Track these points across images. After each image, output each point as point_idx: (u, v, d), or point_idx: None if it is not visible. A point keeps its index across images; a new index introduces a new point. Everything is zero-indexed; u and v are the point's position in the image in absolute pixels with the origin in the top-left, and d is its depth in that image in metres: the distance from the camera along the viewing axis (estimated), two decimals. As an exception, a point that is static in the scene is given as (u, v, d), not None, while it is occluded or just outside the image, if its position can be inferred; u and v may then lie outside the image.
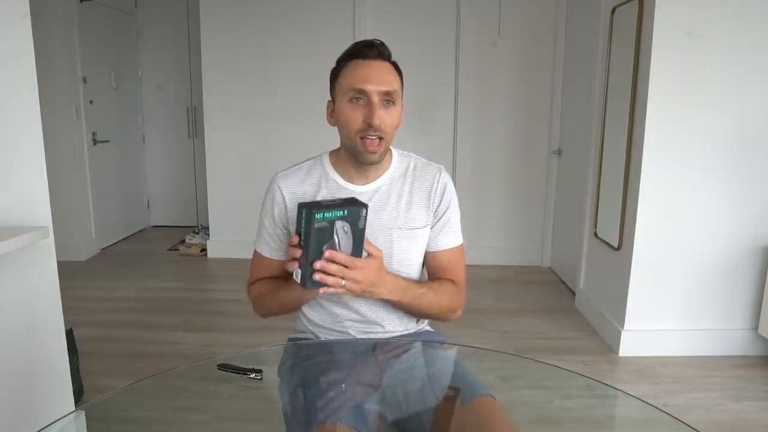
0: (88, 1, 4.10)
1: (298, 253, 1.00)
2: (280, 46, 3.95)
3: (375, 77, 1.10)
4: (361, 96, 1.10)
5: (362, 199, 1.20)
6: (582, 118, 3.34)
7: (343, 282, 1.02)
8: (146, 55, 5.04)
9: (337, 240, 1.00)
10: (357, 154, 1.14)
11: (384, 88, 1.10)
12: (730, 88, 2.43)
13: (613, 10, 2.76)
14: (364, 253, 1.05)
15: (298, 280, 1.02)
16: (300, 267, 1.01)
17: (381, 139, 1.11)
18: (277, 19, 3.93)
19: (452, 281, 1.24)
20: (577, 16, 3.58)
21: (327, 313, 1.23)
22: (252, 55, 3.99)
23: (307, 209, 0.98)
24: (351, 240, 1.02)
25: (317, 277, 1.00)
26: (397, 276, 1.15)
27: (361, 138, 1.11)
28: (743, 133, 2.47)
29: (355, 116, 1.11)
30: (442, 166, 1.27)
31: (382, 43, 1.14)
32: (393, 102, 1.12)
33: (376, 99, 1.10)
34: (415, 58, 3.81)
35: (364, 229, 1.02)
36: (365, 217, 1.02)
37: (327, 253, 0.99)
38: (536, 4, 3.82)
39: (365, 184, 1.21)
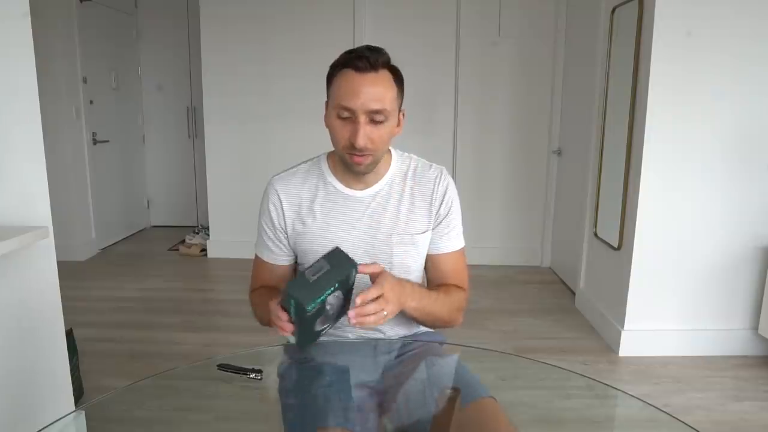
0: (88, 1, 4.10)
1: (289, 327, 0.96)
2: (281, 46, 3.95)
3: (363, 94, 1.04)
4: (347, 112, 1.06)
5: (362, 204, 1.18)
6: (582, 118, 3.34)
7: (385, 312, 0.99)
8: (146, 55, 5.04)
9: (329, 309, 0.98)
10: (346, 165, 1.13)
11: (371, 107, 1.05)
12: (730, 87, 2.43)
13: (613, 10, 2.75)
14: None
15: (294, 343, 0.99)
16: (293, 334, 0.98)
17: (368, 155, 1.09)
18: (277, 19, 3.93)
19: (457, 286, 1.23)
20: (577, 16, 3.58)
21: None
22: (252, 55, 3.99)
23: (297, 302, 0.91)
24: (342, 299, 1.00)
25: (354, 321, 0.96)
26: (409, 281, 1.12)
27: (348, 153, 1.09)
28: (743, 133, 2.47)
29: (341, 132, 1.08)
30: (444, 168, 1.25)
31: (377, 51, 1.08)
32: (384, 119, 1.07)
33: (362, 118, 1.05)
34: (415, 57, 3.81)
35: (353, 284, 1.00)
36: (354, 275, 0.99)
37: (358, 300, 0.96)
38: (536, 4, 3.82)
39: (364, 189, 1.19)
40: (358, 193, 1.18)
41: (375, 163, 1.13)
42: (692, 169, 2.50)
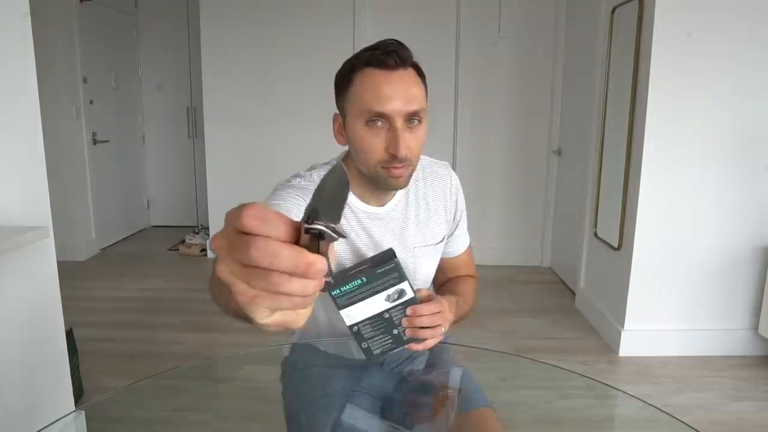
0: (88, 1, 4.10)
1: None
2: (280, 47, 3.95)
3: (398, 95, 0.90)
4: (380, 119, 0.92)
5: (384, 221, 1.08)
6: (582, 118, 3.34)
7: (443, 329, 0.92)
8: (146, 55, 5.04)
9: (391, 305, 0.90)
10: (379, 182, 0.98)
11: (410, 109, 0.91)
12: (730, 87, 2.43)
13: (613, 10, 2.75)
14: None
15: (363, 356, 0.94)
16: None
17: (407, 165, 0.96)
18: (277, 21, 3.93)
19: (468, 276, 1.26)
20: (577, 17, 3.58)
21: (326, 326, 1.23)
22: (252, 56, 3.99)
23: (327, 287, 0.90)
24: (395, 307, 0.92)
25: (409, 332, 0.91)
26: (445, 297, 1.04)
27: (384, 167, 0.94)
28: (743, 133, 2.47)
29: (374, 144, 0.93)
30: (448, 164, 1.20)
31: (401, 45, 0.94)
32: (420, 120, 0.94)
33: (399, 123, 0.91)
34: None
35: (402, 273, 0.89)
36: (396, 265, 0.87)
37: (409, 310, 0.90)
38: (536, 4, 3.82)
39: (382, 205, 1.07)
40: (379, 210, 1.07)
41: (412, 174, 1.00)
42: (692, 168, 2.50)
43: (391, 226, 1.09)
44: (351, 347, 1.19)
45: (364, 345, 0.92)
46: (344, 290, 0.87)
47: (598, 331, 2.91)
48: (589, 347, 2.76)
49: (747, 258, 2.57)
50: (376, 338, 0.92)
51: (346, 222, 1.06)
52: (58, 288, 1.67)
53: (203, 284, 4.03)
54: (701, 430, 0.90)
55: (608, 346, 2.75)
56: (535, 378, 1.71)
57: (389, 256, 0.88)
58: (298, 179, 1.05)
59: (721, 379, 2.42)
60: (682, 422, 0.95)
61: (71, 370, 1.82)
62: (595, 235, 3.01)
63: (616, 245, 2.71)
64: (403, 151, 0.91)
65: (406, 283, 0.89)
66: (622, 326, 2.64)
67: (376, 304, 0.89)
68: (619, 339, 2.64)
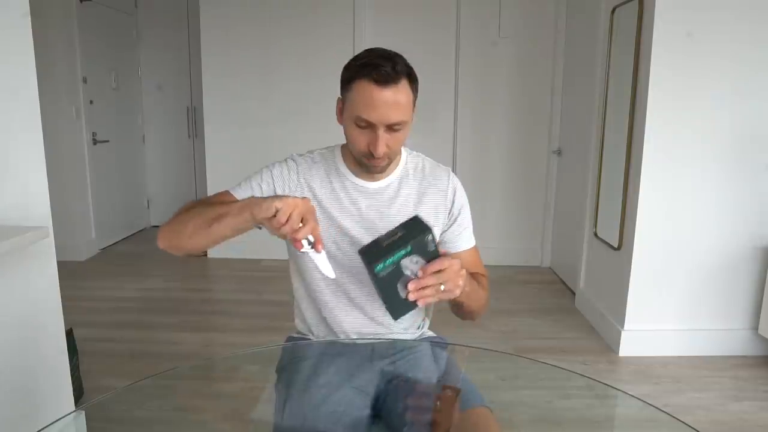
0: (88, 1, 4.10)
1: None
2: (280, 47, 3.95)
3: (383, 109, 1.05)
4: (366, 124, 1.07)
5: (372, 196, 1.20)
6: (582, 118, 3.34)
7: (442, 287, 0.98)
8: (146, 55, 5.04)
9: (410, 274, 0.97)
10: (361, 164, 1.15)
11: (392, 120, 1.06)
12: (730, 87, 2.43)
13: (613, 10, 2.75)
14: None
15: (390, 316, 1.01)
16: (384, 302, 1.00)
17: (385, 158, 1.11)
18: (277, 21, 3.93)
19: (479, 274, 1.28)
20: (577, 17, 3.58)
21: (326, 325, 1.24)
22: (252, 56, 3.99)
23: (366, 261, 0.95)
24: (425, 264, 0.98)
25: (412, 297, 0.95)
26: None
27: (366, 158, 1.11)
28: (743, 133, 2.47)
29: (360, 140, 1.10)
30: (450, 169, 1.28)
31: (394, 60, 1.06)
32: (401, 127, 1.09)
33: (382, 130, 1.07)
34: (415, 58, 3.77)
35: (436, 250, 0.97)
36: (432, 240, 0.96)
37: (420, 272, 0.96)
38: (536, 4, 3.82)
39: (375, 181, 1.21)
40: (369, 185, 1.20)
41: (390, 162, 1.16)
42: (692, 169, 2.50)
43: (378, 202, 1.20)
44: (349, 332, 1.22)
45: (395, 306, 0.99)
46: (387, 263, 0.94)
47: (598, 331, 2.91)
48: (589, 347, 2.76)
49: (747, 258, 2.57)
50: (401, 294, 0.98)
51: (337, 191, 1.19)
52: (58, 288, 1.67)
53: (203, 284, 4.05)
54: (701, 430, 0.90)
55: (608, 346, 2.75)
56: (535, 378, 1.71)
57: (423, 225, 0.96)
58: (296, 154, 1.24)
59: (721, 379, 2.42)
60: (682, 422, 0.95)
61: (71, 370, 1.82)
62: (595, 235, 3.01)
63: (616, 245, 2.71)
64: (380, 152, 1.08)
65: (434, 243, 0.97)
66: (622, 326, 2.64)
67: (406, 265, 0.96)
68: (619, 339, 2.64)
